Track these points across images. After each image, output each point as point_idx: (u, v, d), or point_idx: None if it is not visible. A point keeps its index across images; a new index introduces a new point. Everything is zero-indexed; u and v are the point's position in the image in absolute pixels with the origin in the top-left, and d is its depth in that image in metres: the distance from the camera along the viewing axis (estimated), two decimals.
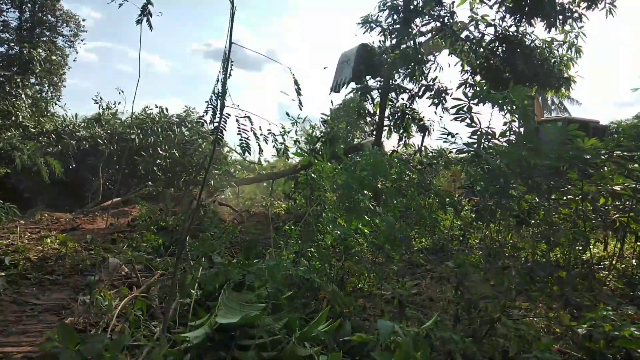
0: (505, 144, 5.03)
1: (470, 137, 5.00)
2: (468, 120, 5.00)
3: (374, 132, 13.22)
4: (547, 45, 12.07)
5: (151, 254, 6.88)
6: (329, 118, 13.51)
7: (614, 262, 5.48)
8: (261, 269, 4.10)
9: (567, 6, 11.23)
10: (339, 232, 4.74)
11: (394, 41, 12.38)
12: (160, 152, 14.18)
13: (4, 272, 5.79)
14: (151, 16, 2.69)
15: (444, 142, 5.22)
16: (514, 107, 4.76)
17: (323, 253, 4.69)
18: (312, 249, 5.02)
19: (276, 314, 3.50)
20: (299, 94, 2.38)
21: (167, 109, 16.42)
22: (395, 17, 12.33)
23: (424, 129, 12.40)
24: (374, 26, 12.50)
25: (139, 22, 2.70)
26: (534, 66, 11.26)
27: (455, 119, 4.91)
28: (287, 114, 10.32)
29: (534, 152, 4.78)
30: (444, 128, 4.99)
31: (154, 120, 15.33)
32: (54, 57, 22.16)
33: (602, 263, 6.02)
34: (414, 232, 6.34)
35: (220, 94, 2.17)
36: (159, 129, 14.91)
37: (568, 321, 3.78)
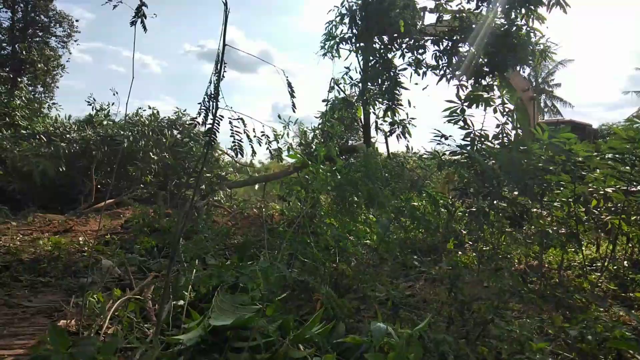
0: (497, 146, 5.07)
1: (463, 140, 5.03)
2: (461, 123, 5.04)
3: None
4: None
5: (144, 256, 6.85)
6: (323, 120, 13.33)
7: (605, 263, 5.52)
8: (255, 271, 4.09)
9: None
10: (332, 234, 4.74)
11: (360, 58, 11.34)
12: (152, 155, 14.11)
13: None
14: (145, 18, 2.69)
15: (438, 144, 5.24)
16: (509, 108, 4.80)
17: (317, 255, 4.69)
18: (306, 251, 5.02)
19: (270, 316, 3.50)
20: (292, 96, 2.38)
21: (158, 112, 16.41)
22: (355, 30, 11.18)
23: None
24: (338, 41, 11.35)
25: (133, 23, 2.70)
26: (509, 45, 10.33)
27: (448, 121, 4.94)
28: (279, 116, 10.28)
29: (526, 155, 4.82)
30: (437, 130, 5.02)
31: (145, 124, 15.27)
32: (48, 54, 22.04)
33: (594, 264, 6.06)
34: (408, 233, 6.36)
35: (213, 96, 2.17)
36: (150, 132, 14.84)
37: (560, 322, 3.80)
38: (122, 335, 3.52)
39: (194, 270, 4.81)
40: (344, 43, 11.42)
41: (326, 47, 11.43)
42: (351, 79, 11.63)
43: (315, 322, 3.34)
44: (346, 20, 11.22)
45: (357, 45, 11.28)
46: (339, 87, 12.00)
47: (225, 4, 2.14)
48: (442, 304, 4.48)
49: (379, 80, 11.02)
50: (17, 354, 3.45)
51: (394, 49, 11.28)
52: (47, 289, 5.45)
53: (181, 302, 4.07)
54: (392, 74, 10.98)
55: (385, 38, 11.26)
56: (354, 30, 11.17)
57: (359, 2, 11.09)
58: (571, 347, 3.41)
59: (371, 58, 11.14)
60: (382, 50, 11.21)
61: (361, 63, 11.31)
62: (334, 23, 11.40)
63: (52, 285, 5.58)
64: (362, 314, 4.31)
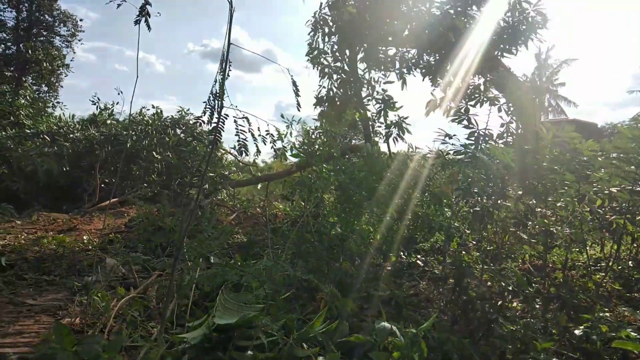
0: (502, 145, 5.05)
1: (467, 139, 5.02)
2: (465, 122, 5.01)
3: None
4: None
5: (148, 254, 6.87)
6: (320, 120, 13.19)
7: (610, 263, 5.51)
8: (259, 270, 4.10)
9: None
10: (336, 233, 4.75)
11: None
12: (156, 155, 14.13)
13: (0, 272, 5.78)
14: (149, 16, 2.69)
15: (442, 143, 5.22)
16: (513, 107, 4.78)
17: (320, 254, 4.69)
18: (310, 250, 5.02)
19: (274, 315, 3.51)
20: (297, 95, 2.38)
21: (161, 111, 16.46)
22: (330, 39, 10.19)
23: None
24: (317, 54, 10.33)
25: (137, 22, 2.70)
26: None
27: (452, 120, 4.92)
28: (282, 115, 10.24)
29: (530, 154, 4.80)
30: (441, 129, 5.00)
31: (148, 123, 15.31)
32: (53, 53, 22.15)
33: (598, 264, 6.04)
34: (411, 232, 6.35)
35: (218, 95, 2.17)
36: (154, 132, 14.86)
37: (565, 322, 3.79)
38: (127, 334, 3.53)
39: (198, 269, 4.83)
40: (323, 55, 10.84)
41: (310, 59, 11.02)
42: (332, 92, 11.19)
43: (319, 321, 3.35)
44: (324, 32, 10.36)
45: (333, 58, 10.45)
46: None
47: (231, 3, 2.14)
48: (446, 303, 4.48)
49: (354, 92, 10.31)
50: (22, 352, 3.46)
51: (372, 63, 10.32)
52: (51, 287, 5.47)
53: (185, 301, 4.08)
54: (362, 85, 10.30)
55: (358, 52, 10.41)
56: (333, 39, 10.28)
57: (328, 18, 10.17)
58: (576, 347, 3.40)
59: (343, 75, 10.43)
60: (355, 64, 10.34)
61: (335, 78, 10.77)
62: (312, 33, 10.51)
63: (56, 284, 5.59)
64: (365, 313, 4.32)
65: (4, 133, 14.42)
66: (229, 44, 2.16)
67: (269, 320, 3.25)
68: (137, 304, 4.08)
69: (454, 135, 5.20)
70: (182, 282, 4.51)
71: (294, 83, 2.35)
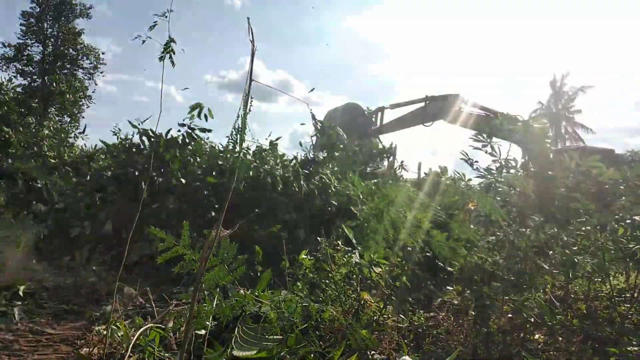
0: (522, 174, 5.02)
1: (489, 167, 4.99)
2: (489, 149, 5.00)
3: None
4: None
5: (166, 283, 6.89)
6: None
7: (635, 294, 5.35)
8: (277, 301, 4.08)
9: None
10: (354, 263, 4.72)
11: None
12: (180, 181, 14.23)
13: (20, 301, 5.84)
14: (174, 53, 2.79)
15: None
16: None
17: (338, 284, 4.66)
18: (327, 280, 4.99)
19: (292, 347, 3.48)
20: (317, 128, 2.42)
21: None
22: None
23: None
24: None
25: (161, 59, 2.80)
26: None
27: (475, 148, 4.91)
28: (301, 144, 10.36)
29: (550, 182, 4.76)
30: (465, 153, 4.99)
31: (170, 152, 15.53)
32: (77, 85, 22.82)
33: (623, 295, 5.86)
34: (429, 262, 6.27)
35: (240, 129, 2.23)
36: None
37: (590, 356, 3.68)
38: None
39: (216, 299, 4.81)
40: None
41: None
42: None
43: (338, 354, 3.31)
44: None
45: None
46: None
47: (252, 42, 2.21)
48: (466, 336, 4.39)
49: None
50: None
51: None
52: (70, 316, 5.51)
53: (203, 332, 4.06)
54: None
55: None
56: None
57: None
58: None
59: None
60: None
61: None
62: None
63: (75, 313, 5.63)
64: (384, 345, 4.25)
65: (31, 163, 14.76)
66: (250, 81, 2.22)
67: (287, 352, 3.23)
68: (155, 334, 4.07)
69: (476, 161, 5.18)
70: (200, 312, 4.51)
71: (314, 117, 2.39)
